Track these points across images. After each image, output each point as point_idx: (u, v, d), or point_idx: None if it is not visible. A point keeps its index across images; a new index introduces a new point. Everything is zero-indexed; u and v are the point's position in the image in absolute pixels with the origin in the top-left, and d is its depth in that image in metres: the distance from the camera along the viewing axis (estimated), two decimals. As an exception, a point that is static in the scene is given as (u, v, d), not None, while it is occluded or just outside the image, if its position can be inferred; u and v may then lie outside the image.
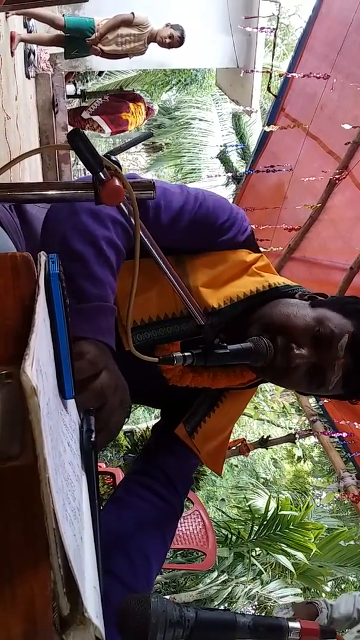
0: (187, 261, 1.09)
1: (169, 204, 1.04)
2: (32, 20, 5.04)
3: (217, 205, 1.10)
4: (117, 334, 1.04)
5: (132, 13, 4.83)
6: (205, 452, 1.21)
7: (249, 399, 1.32)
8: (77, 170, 8.99)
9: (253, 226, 1.19)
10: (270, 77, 4.66)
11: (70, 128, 5.41)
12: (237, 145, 10.26)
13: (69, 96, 6.20)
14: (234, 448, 4.26)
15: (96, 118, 5.74)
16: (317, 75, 3.52)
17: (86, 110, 5.82)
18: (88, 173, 0.78)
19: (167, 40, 4.92)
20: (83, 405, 0.77)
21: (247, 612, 0.68)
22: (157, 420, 1.34)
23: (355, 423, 3.31)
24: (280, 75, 4.29)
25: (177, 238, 1.06)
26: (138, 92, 7.14)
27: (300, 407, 5.39)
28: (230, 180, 9.79)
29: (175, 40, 4.91)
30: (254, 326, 1.06)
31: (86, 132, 6.01)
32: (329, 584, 7.76)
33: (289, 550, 5.19)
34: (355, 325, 1.04)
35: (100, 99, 5.93)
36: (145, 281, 1.00)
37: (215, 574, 5.24)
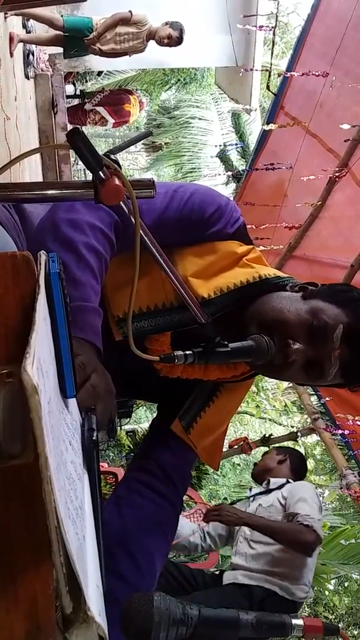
0: (177, 252, 1.09)
1: (152, 206, 1.04)
2: (31, 20, 5.04)
3: (206, 198, 1.10)
4: (108, 327, 1.04)
5: (130, 11, 4.82)
6: (202, 448, 1.21)
7: (244, 394, 1.32)
8: (77, 170, 8.99)
9: (253, 226, 1.19)
10: (270, 76, 4.65)
11: (70, 127, 5.42)
12: (236, 144, 10.25)
13: (68, 96, 6.21)
14: (236, 447, 4.26)
15: (99, 109, 5.80)
16: (316, 73, 3.51)
17: (89, 102, 5.89)
18: (88, 173, 0.79)
19: (165, 41, 4.92)
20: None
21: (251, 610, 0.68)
22: (155, 416, 1.34)
23: (358, 421, 3.30)
24: (279, 75, 4.28)
25: (164, 237, 1.06)
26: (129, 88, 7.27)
27: (302, 406, 5.39)
28: (230, 179, 9.79)
29: (173, 40, 4.91)
30: (251, 325, 1.06)
31: (87, 127, 6.09)
32: (332, 582, 7.75)
33: (291, 548, 5.17)
34: (348, 315, 1.04)
35: (100, 93, 6.00)
36: (134, 272, 1.00)
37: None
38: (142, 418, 10.02)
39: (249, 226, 1.21)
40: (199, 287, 1.06)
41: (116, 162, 0.78)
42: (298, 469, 3.39)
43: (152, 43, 5.05)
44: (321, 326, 1.02)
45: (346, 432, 3.46)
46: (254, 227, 3.54)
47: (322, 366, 1.04)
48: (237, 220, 1.13)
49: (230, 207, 1.12)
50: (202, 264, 1.09)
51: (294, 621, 0.67)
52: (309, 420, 4.33)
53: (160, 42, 4.96)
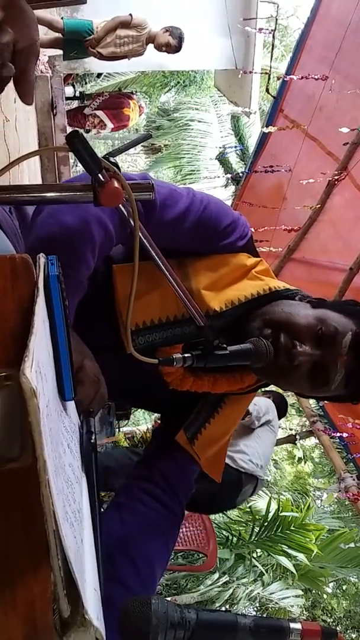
0: (190, 264, 1.09)
1: (175, 204, 1.04)
2: (31, 22, 5.04)
3: (221, 210, 1.11)
4: (119, 337, 1.04)
5: (130, 14, 4.83)
6: (205, 459, 1.22)
7: (248, 404, 1.33)
8: (76, 172, 8.99)
9: (252, 229, 1.20)
10: (269, 79, 4.66)
11: (69, 130, 5.41)
12: (236, 147, 10.26)
13: (67, 98, 6.21)
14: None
15: (99, 113, 5.80)
16: (316, 77, 3.51)
17: (88, 106, 5.89)
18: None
19: (164, 48, 4.96)
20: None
21: (249, 614, 0.68)
22: (158, 425, 1.34)
23: (358, 425, 3.30)
24: (278, 78, 4.29)
25: (180, 238, 1.06)
26: (129, 92, 7.27)
27: (300, 408, 5.40)
28: (230, 181, 9.80)
29: (172, 48, 4.94)
30: (255, 322, 1.07)
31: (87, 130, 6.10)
32: (331, 585, 7.74)
33: (290, 551, 5.18)
34: (356, 324, 1.05)
35: (100, 96, 6.00)
36: (147, 284, 1.00)
37: (217, 575, 5.22)
38: (141, 420, 10.00)
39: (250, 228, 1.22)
40: (211, 300, 1.06)
41: (115, 164, 0.78)
42: (279, 407, 3.87)
43: (152, 45, 5.07)
44: (330, 332, 1.03)
45: (345, 435, 3.45)
46: (253, 230, 3.54)
47: (327, 372, 1.04)
48: (247, 235, 1.15)
49: (242, 222, 1.14)
50: (213, 277, 1.09)
51: (292, 625, 0.67)
52: (307, 422, 4.32)
53: (158, 49, 4.99)
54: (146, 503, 1.15)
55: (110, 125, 5.91)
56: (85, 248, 0.92)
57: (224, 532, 5.58)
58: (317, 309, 1.08)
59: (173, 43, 4.90)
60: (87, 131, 6.10)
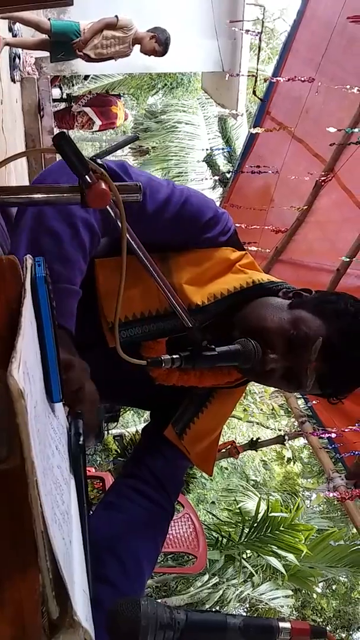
0: (172, 258, 1.09)
1: (155, 194, 1.03)
2: (17, 24, 5.03)
3: (202, 202, 1.10)
4: (102, 333, 1.04)
5: (116, 16, 4.83)
6: (195, 453, 1.21)
7: (238, 399, 1.32)
8: (63, 174, 8.95)
9: (241, 225, 1.20)
10: (256, 81, 4.67)
11: (56, 131, 5.41)
12: (223, 149, 10.29)
13: (54, 100, 6.20)
14: (223, 450, 4.27)
15: (87, 110, 5.84)
16: (302, 79, 3.53)
17: (77, 103, 5.93)
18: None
19: (149, 54, 5.00)
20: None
21: (238, 614, 0.68)
22: (147, 423, 1.34)
23: (345, 429, 3.31)
24: (265, 80, 4.30)
25: (160, 229, 1.06)
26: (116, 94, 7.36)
27: (289, 409, 5.41)
28: (217, 183, 9.83)
29: (158, 53, 4.98)
30: (236, 330, 1.07)
31: (75, 130, 6.12)
32: (320, 584, 7.77)
33: (279, 552, 5.19)
34: (328, 329, 1.03)
35: (87, 95, 6.05)
36: (129, 278, 0.99)
37: (206, 577, 5.23)
38: (130, 422, 9.99)
39: (237, 225, 1.22)
40: (193, 295, 1.06)
41: (102, 166, 0.78)
42: None
43: (138, 47, 5.08)
44: (300, 337, 1.02)
45: (333, 435, 3.47)
46: (243, 227, 3.56)
47: (298, 377, 1.04)
48: (230, 230, 1.14)
49: (225, 216, 1.13)
50: (196, 271, 1.09)
51: (281, 624, 0.67)
52: (296, 423, 4.34)
53: (145, 53, 5.02)
54: (134, 500, 1.14)
55: (98, 122, 5.96)
56: (78, 255, 0.92)
57: (214, 534, 5.59)
58: (293, 310, 1.06)
59: (159, 50, 4.94)
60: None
